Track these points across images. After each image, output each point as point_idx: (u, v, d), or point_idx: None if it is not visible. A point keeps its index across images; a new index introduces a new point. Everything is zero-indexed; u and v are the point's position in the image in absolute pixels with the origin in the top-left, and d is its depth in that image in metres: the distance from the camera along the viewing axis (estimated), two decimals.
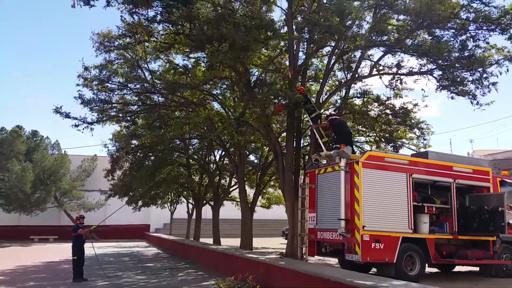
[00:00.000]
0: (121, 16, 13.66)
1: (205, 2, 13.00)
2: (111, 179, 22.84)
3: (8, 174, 34.75)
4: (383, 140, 17.44)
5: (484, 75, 12.98)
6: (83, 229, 12.82)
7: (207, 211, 29.76)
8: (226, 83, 17.48)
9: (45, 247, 28.77)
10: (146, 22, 13.41)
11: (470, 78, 13.24)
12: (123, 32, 14.58)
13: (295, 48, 13.71)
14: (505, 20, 11.80)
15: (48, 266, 16.65)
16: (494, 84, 13.00)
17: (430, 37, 13.36)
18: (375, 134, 17.82)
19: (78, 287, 11.46)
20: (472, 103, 13.36)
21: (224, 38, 11.66)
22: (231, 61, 11.97)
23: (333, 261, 14.14)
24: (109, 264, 17.18)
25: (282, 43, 14.96)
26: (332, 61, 14.65)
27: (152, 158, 22.60)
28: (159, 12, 13.10)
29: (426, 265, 11.54)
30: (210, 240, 23.22)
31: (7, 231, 36.61)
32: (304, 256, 12.07)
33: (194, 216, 28.53)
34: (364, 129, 18.12)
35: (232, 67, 13.36)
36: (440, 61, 13.28)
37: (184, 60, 17.53)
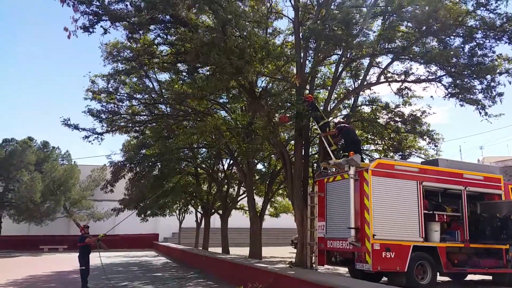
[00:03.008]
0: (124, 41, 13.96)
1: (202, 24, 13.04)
2: (109, 191, 22.67)
3: (18, 184, 35.04)
4: (391, 149, 17.33)
5: (492, 84, 12.91)
6: (89, 238, 12.71)
7: (215, 220, 29.71)
8: (232, 92, 17.54)
9: (54, 257, 28.84)
10: (146, 46, 13.62)
11: (479, 87, 13.19)
12: (128, 56, 14.79)
13: (302, 56, 13.74)
14: (508, 27, 11.77)
15: (58, 276, 16.68)
16: (500, 94, 12.93)
17: (438, 44, 13.35)
18: (383, 143, 17.72)
19: None
20: (480, 113, 13.28)
21: (216, 65, 11.70)
22: (225, 85, 12.01)
23: (343, 270, 14.00)
24: (118, 273, 17.16)
25: (289, 52, 15.01)
26: (340, 69, 14.67)
27: (160, 167, 22.65)
28: (158, 34, 13.33)
29: (438, 273, 11.39)
30: (219, 249, 23.14)
31: (17, 241, 36.81)
32: (314, 266, 11.98)
33: (202, 225, 28.48)
34: (373, 137, 18.04)
35: (228, 89, 13.41)
36: (448, 68, 13.24)
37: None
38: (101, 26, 12.02)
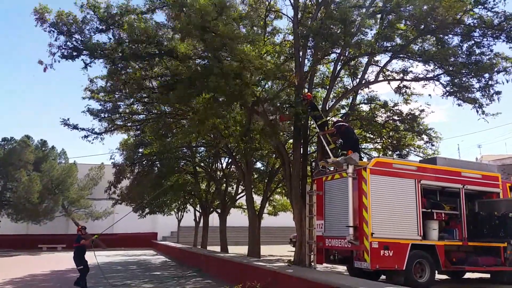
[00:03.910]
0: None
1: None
2: (112, 193, 22.70)
3: (16, 184, 35.00)
4: (390, 147, 17.35)
5: (490, 82, 12.95)
6: (86, 239, 12.79)
7: (214, 219, 29.74)
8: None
9: (53, 255, 28.82)
10: (132, 80, 13.34)
11: (477, 85, 13.23)
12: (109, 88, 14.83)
13: (301, 55, 13.75)
14: (506, 26, 11.79)
15: (56, 275, 16.67)
16: (498, 93, 12.97)
17: (436, 43, 13.38)
18: (382, 141, 17.74)
19: None
20: (477, 112, 13.32)
21: (214, 91, 11.67)
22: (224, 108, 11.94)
23: (342, 268, 14.03)
24: (117, 272, 17.17)
25: (287, 50, 14.99)
26: (338, 67, 14.68)
27: (159, 166, 22.64)
28: (143, 67, 13.22)
29: (436, 272, 11.42)
30: (217, 248, 23.17)
31: (15, 240, 36.81)
32: (312, 264, 12.00)
33: (201, 224, 28.50)
34: (372, 136, 18.06)
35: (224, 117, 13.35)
36: (447, 67, 13.27)
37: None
38: (81, 60, 11.76)
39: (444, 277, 13.43)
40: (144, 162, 22.13)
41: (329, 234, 11.67)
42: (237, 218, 28.96)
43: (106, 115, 17.50)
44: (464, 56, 12.98)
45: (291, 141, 16.90)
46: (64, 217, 38.40)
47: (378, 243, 10.29)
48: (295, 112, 12.50)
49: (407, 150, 17.34)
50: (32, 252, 32.01)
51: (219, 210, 25.18)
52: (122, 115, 18.42)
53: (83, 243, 12.50)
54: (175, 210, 32.12)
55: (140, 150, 21.65)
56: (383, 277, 11.57)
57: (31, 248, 35.21)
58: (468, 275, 13.77)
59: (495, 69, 12.73)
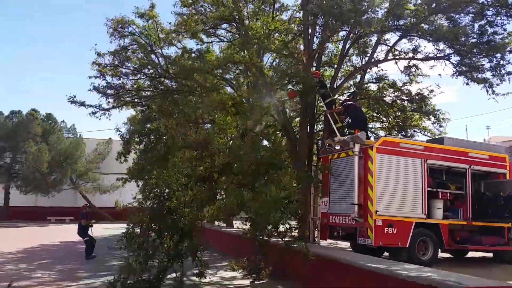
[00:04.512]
0: None
1: None
2: (124, 161, 22.89)
3: (25, 155, 35.40)
4: (396, 128, 17.27)
5: (502, 62, 12.74)
6: (88, 216, 13.96)
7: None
8: (239, 67, 17.45)
9: (61, 227, 29.40)
10: None
11: (488, 65, 13.03)
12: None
13: (310, 32, 13.58)
14: None
15: (65, 245, 17.09)
16: (509, 73, 12.78)
17: (447, 22, 13.13)
18: (388, 121, 17.65)
19: (93, 265, 11.78)
20: (487, 92, 13.16)
21: None
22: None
23: (345, 245, 14.23)
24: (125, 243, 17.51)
25: (296, 28, 14.81)
26: (347, 46, 14.51)
27: (166, 141, 22.71)
28: None
29: (439, 250, 11.56)
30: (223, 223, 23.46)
31: (24, 212, 37.49)
32: (316, 240, 12.17)
33: None
34: (379, 115, 17.96)
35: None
36: (457, 46, 13.06)
37: (197, 44, 17.55)
38: None
39: (447, 255, 13.59)
40: (151, 137, 22.20)
41: (334, 211, 11.81)
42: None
43: (112, 91, 17.54)
44: (475, 36, 12.75)
45: (298, 119, 16.87)
46: (72, 190, 38.92)
47: (382, 220, 10.42)
48: (304, 88, 12.43)
49: (413, 130, 17.26)
50: (41, 224, 32.67)
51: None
52: (128, 91, 18.44)
53: (83, 223, 13.58)
54: None
55: (147, 125, 21.70)
56: (386, 254, 11.74)
57: (40, 220, 35.90)
58: (471, 254, 13.92)
59: (508, 48, 12.51)
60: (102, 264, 11.97)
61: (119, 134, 22.08)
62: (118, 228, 27.21)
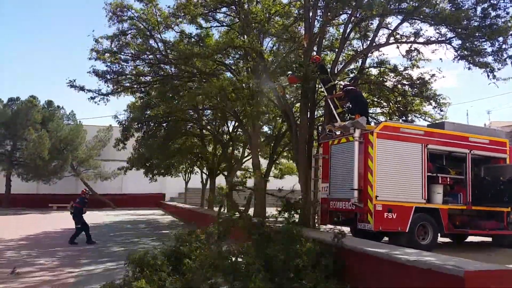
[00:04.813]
0: None
1: None
2: (122, 148, 22.88)
3: (25, 143, 35.43)
4: (397, 113, 17.20)
5: (504, 46, 12.62)
6: (87, 201, 14.30)
7: (221, 181, 30.08)
8: (239, 52, 17.31)
9: (63, 214, 29.50)
10: None
11: (489, 50, 12.91)
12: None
13: (310, 16, 13.42)
14: None
15: (67, 232, 17.16)
16: (511, 57, 12.65)
17: (450, 5, 12.96)
18: (389, 106, 17.57)
19: (95, 252, 11.87)
20: (489, 76, 13.05)
21: None
22: None
23: (345, 229, 14.27)
24: (127, 230, 17.67)
25: (297, 11, 14.63)
26: (348, 30, 14.35)
27: (165, 128, 22.71)
28: None
29: (439, 234, 11.62)
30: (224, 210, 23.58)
31: (26, 199, 37.71)
32: (316, 225, 12.23)
33: (208, 186, 28.89)
34: (379, 100, 17.88)
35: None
36: (459, 30, 12.92)
37: (196, 29, 17.36)
38: None
39: (447, 240, 13.66)
40: (151, 124, 22.19)
41: (334, 197, 11.85)
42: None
43: (112, 76, 17.44)
44: (478, 19, 12.60)
45: (298, 104, 16.80)
46: (73, 177, 39.10)
47: (382, 205, 10.45)
48: (304, 73, 12.34)
49: (414, 115, 17.20)
50: (43, 211, 32.88)
51: (225, 173, 25.43)
52: (128, 76, 18.35)
53: (85, 212, 13.89)
54: (183, 172, 32.54)
55: (147, 112, 21.65)
56: (386, 238, 11.80)
57: (42, 207, 36.13)
58: (470, 238, 14.00)
59: (510, 32, 12.37)
60: (103, 251, 12.06)
61: (117, 121, 22.13)
62: (119, 215, 27.52)
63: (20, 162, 36.66)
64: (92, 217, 24.01)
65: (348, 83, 13.84)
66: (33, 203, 37.16)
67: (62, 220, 22.59)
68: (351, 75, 17.05)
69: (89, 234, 13.62)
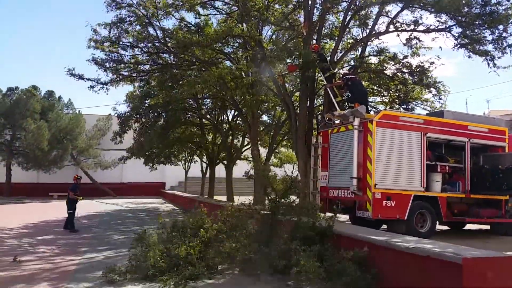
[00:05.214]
0: None
1: None
2: (119, 142, 22.87)
3: (24, 133, 35.39)
4: (397, 101, 17.19)
5: (504, 34, 12.56)
6: (79, 187, 14.74)
7: (220, 170, 30.20)
8: (238, 41, 17.22)
9: (63, 203, 29.59)
10: None
11: (490, 38, 12.85)
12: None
13: (310, 3, 13.34)
14: None
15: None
16: (511, 46, 12.59)
17: None
18: (389, 94, 17.55)
19: (95, 240, 11.95)
20: (489, 64, 13.01)
21: None
22: None
23: (344, 217, 14.38)
24: (127, 219, 17.75)
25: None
26: (348, 17, 14.27)
27: (165, 117, 22.70)
28: None
29: (437, 222, 11.69)
30: (224, 198, 23.71)
31: (27, 188, 37.81)
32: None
33: (208, 175, 28.99)
34: (379, 89, 17.85)
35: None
36: (459, 18, 12.85)
37: (195, 18, 17.25)
38: None
39: (445, 228, 13.75)
40: (150, 113, 22.16)
41: (333, 185, 11.90)
42: (243, 169, 29.37)
43: (111, 65, 17.37)
44: (478, 6, 12.52)
45: (297, 93, 16.78)
46: (73, 166, 39.13)
47: (380, 193, 10.49)
48: (304, 61, 12.29)
49: (414, 103, 17.20)
50: (43, 200, 32.99)
51: (225, 162, 25.50)
52: (127, 65, 18.26)
53: (72, 197, 14.16)
54: (182, 161, 32.62)
55: (147, 101, 21.62)
56: (384, 226, 11.88)
57: (42, 196, 36.24)
58: (468, 226, 14.09)
59: (511, 20, 12.30)
60: (104, 239, 12.14)
61: (116, 114, 22.08)
62: (119, 204, 27.62)
63: (20, 151, 36.66)
64: (92, 205, 24.27)
65: (348, 71, 13.80)
66: (33, 192, 37.26)
67: (63, 209, 22.70)
68: (351, 64, 16.98)
69: (72, 221, 13.88)
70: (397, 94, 17.13)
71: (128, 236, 12.47)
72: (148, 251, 7.33)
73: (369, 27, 14.71)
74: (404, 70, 16.40)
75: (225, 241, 7.59)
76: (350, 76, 12.53)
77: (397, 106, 17.20)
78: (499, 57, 12.91)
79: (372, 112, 13.76)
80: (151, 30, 16.85)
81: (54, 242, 11.55)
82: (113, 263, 7.47)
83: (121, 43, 17.04)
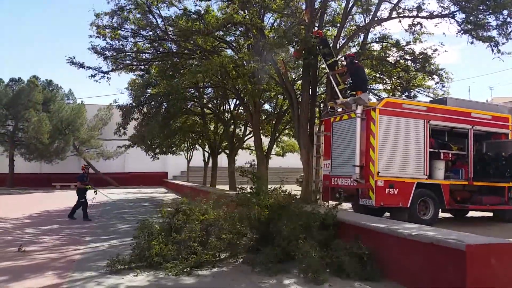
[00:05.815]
0: None
1: None
2: (122, 134, 22.81)
3: (27, 124, 35.45)
4: (399, 88, 17.08)
5: (509, 20, 12.40)
6: (87, 176, 14.58)
7: (222, 159, 30.24)
8: (240, 29, 17.08)
9: (66, 193, 29.83)
10: None
11: (494, 23, 12.70)
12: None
13: None
14: None
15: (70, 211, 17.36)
16: None
17: None
18: (392, 82, 17.43)
19: (100, 229, 12.02)
20: (493, 50, 12.87)
21: None
22: None
23: (346, 206, 14.41)
24: (130, 208, 17.82)
25: None
26: (350, 4, 14.11)
27: (167, 107, 22.62)
28: None
29: (440, 210, 11.71)
30: (226, 187, 23.77)
31: (30, 178, 38.03)
32: (318, 201, 12.32)
33: (210, 164, 29.01)
34: (382, 76, 17.73)
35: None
36: (463, 3, 12.68)
37: (196, 6, 17.07)
38: None
39: (448, 215, 13.78)
40: (152, 103, 22.07)
41: (336, 173, 11.90)
42: (246, 158, 29.38)
43: (112, 53, 17.26)
44: None
45: (299, 82, 16.67)
46: (76, 156, 39.27)
47: (383, 181, 10.50)
48: (308, 46, 12.17)
49: (417, 90, 17.10)
50: (46, 190, 33.15)
51: (227, 151, 25.49)
52: (128, 53, 18.14)
53: (80, 186, 14.14)
54: (185, 150, 32.63)
55: (148, 90, 21.53)
56: (387, 214, 11.91)
57: (45, 186, 36.42)
58: (471, 213, 14.11)
59: None
60: (108, 228, 12.20)
61: (117, 106, 22.01)
62: (122, 193, 27.70)
63: (23, 142, 36.77)
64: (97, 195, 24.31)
65: (351, 53, 13.66)
66: (36, 183, 37.48)
67: (66, 199, 22.81)
68: (353, 51, 16.83)
69: (85, 210, 13.94)
70: (399, 81, 17.01)
71: (131, 225, 12.50)
72: (151, 240, 7.36)
73: (372, 13, 14.54)
74: (407, 57, 16.26)
75: (225, 230, 7.64)
76: (354, 61, 12.38)
77: (399, 93, 17.10)
78: (503, 43, 12.79)
79: (374, 100, 13.70)
80: (151, 18, 16.70)
81: (58, 231, 11.61)
82: (118, 252, 7.51)
83: (123, 29, 16.88)
